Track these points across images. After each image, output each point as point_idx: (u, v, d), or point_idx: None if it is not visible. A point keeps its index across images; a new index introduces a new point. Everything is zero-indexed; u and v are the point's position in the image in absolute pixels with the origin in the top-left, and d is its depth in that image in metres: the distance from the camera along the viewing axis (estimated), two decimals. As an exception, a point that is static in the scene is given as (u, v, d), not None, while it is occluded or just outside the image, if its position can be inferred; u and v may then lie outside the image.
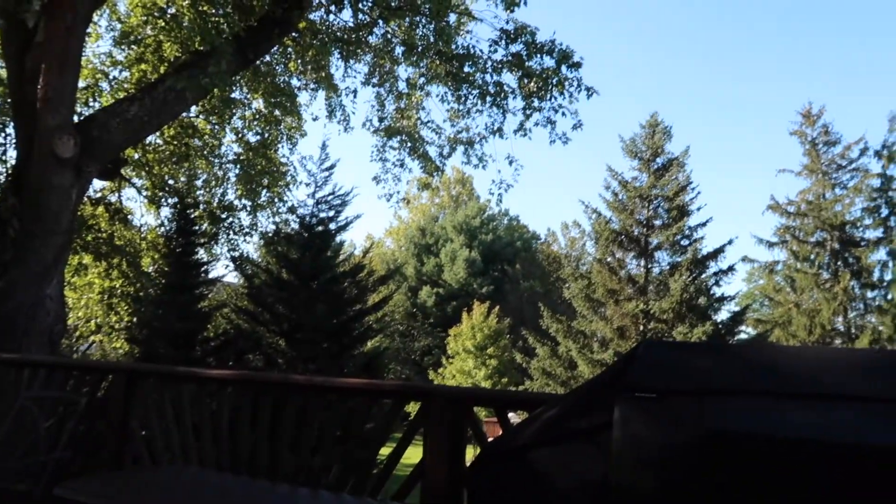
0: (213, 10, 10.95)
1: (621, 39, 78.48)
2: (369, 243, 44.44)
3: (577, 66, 12.07)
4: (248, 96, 15.13)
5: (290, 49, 14.00)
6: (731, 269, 23.92)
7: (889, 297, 28.02)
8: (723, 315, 24.22)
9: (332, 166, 15.67)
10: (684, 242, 23.89)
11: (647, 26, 76.54)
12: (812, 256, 29.23)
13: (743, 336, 26.53)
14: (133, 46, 13.06)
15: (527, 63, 12.40)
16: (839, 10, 67.79)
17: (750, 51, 72.47)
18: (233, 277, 20.64)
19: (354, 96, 14.44)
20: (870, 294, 28.58)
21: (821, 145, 30.21)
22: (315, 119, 15.19)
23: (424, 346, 41.45)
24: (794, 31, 70.34)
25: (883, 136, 29.61)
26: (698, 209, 24.12)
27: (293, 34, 12.92)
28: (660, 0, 75.56)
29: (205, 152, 15.39)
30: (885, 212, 29.00)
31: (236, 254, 15.83)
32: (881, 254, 28.62)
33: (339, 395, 4.63)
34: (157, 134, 14.23)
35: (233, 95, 14.00)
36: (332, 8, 12.72)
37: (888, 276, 28.36)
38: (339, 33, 13.37)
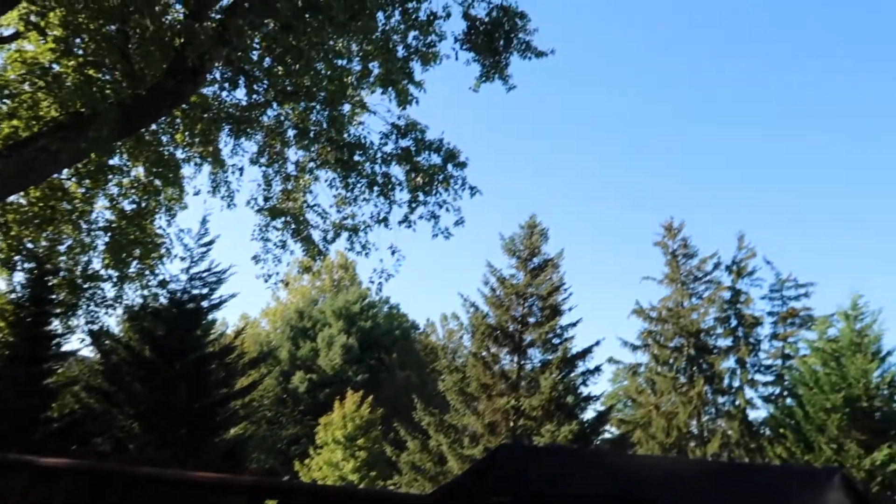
0: (100, 76, 10.67)
1: (507, 144, 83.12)
2: (243, 323, 42.85)
3: (463, 165, 12.66)
4: (129, 163, 14.61)
5: (178, 120, 13.78)
6: (597, 369, 24.98)
7: (737, 403, 30.11)
8: (589, 414, 25.02)
9: (211, 242, 15.26)
10: (556, 341, 24.79)
11: (535, 135, 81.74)
12: (671, 361, 31.07)
13: (607, 436, 27.42)
14: (6, 101, 12.40)
15: (415, 158, 12.89)
16: (697, 141, 75.52)
17: (624, 167, 78.75)
18: (89, 352, 19.17)
19: (241, 174, 14.31)
20: (721, 399, 30.60)
21: (680, 257, 32.76)
22: (197, 193, 14.83)
23: (292, 435, 39.69)
24: (661, 154, 77.35)
25: (733, 252, 32.60)
26: (570, 309, 25.27)
27: (184, 106, 12.77)
28: (544, 115, 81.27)
29: (73, 217, 14.54)
30: (734, 322, 31.58)
31: (95, 327, 14.78)
32: (731, 362, 30.93)
33: (187, 490, 4.29)
34: (21, 193, 13.36)
35: (112, 161, 13.49)
36: (227, 85, 12.76)
37: (736, 383, 30.58)
38: (231, 110, 13.36)
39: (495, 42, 12.61)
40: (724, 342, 31.45)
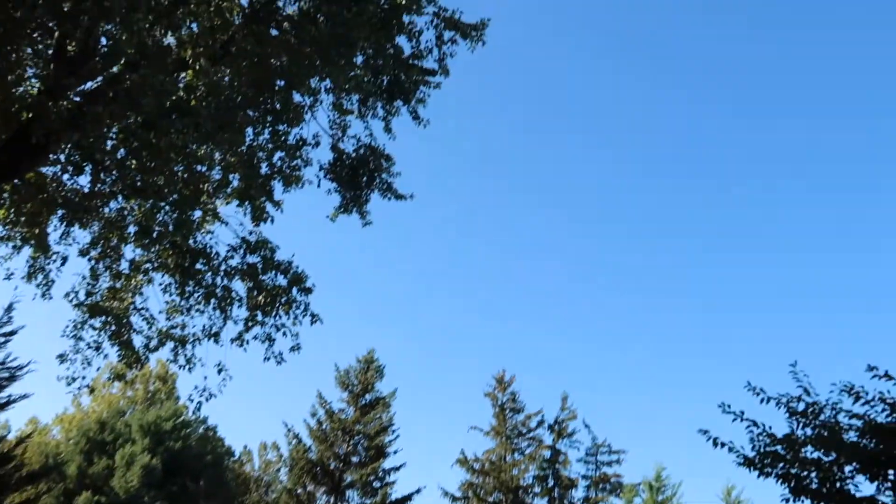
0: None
1: (358, 273, 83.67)
2: (31, 429, 37.73)
3: (308, 290, 12.54)
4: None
5: (6, 195, 12.70)
6: (415, 518, 24.20)
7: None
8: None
9: (13, 332, 13.68)
10: (376, 484, 23.95)
11: (388, 268, 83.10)
12: (489, 515, 30.76)
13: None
14: None
15: (260, 276, 12.61)
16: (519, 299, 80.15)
17: (474, 315, 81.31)
18: None
19: (63, 263, 13.21)
20: (535, 560, 30.43)
21: (508, 411, 33.48)
22: (9, 277, 13.38)
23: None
24: (507, 304, 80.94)
25: (556, 412, 33.84)
26: (395, 452, 24.73)
27: (16, 181, 11.85)
28: (401, 251, 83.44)
29: None
30: (551, 482, 32.19)
31: None
32: (547, 521, 31.13)
33: None
34: None
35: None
36: (71, 169, 12.07)
37: (550, 544, 30.69)
38: (70, 195, 12.55)
39: (359, 177, 13.07)
40: (541, 502, 31.79)
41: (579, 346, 75.17)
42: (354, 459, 24.26)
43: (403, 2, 10.94)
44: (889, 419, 8.29)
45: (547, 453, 32.41)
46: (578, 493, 32.16)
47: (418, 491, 24.06)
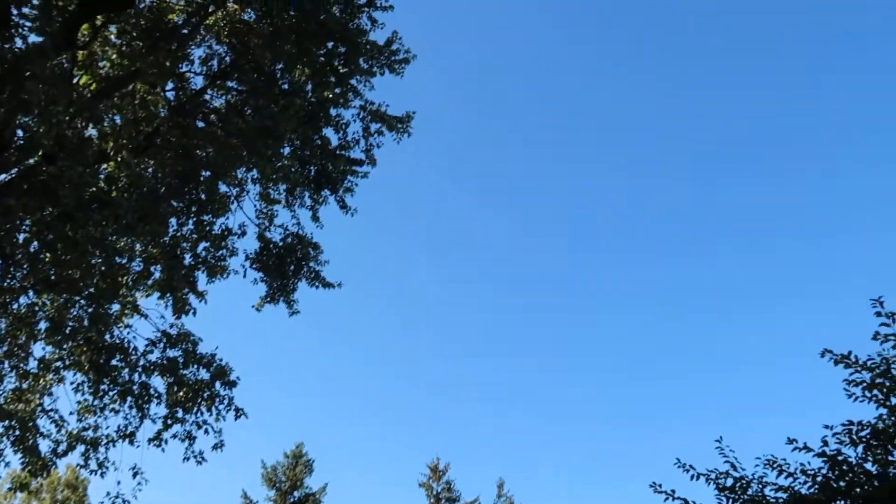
0: None
1: (281, 364, 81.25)
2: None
3: (233, 384, 12.09)
4: None
5: None
6: None
7: None
8: None
9: None
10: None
11: (318, 357, 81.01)
12: None
13: None
14: None
15: (181, 371, 12.10)
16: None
17: (404, 397, 79.58)
18: None
19: (-38, 362, 12.32)
20: None
21: (443, 501, 32.52)
22: None
23: None
24: (437, 387, 79.76)
25: (492, 499, 33.08)
26: (327, 552, 23.45)
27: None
28: (338, 338, 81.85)
29: None
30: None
31: None
32: None
33: None
34: None
35: None
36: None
37: None
38: (-27, 288, 11.87)
39: (286, 266, 12.94)
40: None
41: (518, 427, 74.50)
42: (282, 562, 22.88)
43: (330, 96, 11.23)
44: (811, 490, 8.47)
45: (489, 543, 31.46)
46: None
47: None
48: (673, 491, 9.19)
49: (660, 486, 9.25)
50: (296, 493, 24.34)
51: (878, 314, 8.60)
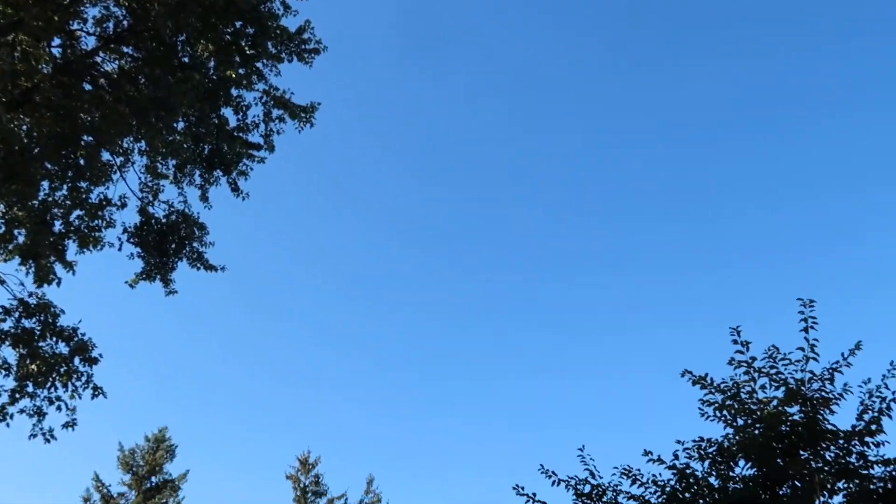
0: None
1: (151, 344, 77.49)
2: None
3: (94, 361, 11.44)
4: None
5: None
6: None
7: None
8: None
9: None
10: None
11: (181, 342, 77.67)
12: None
13: None
14: None
15: (37, 343, 11.31)
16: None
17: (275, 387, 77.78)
18: None
19: None
20: None
21: (311, 494, 32.09)
22: None
23: None
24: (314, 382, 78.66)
25: (360, 495, 33.02)
26: (182, 540, 22.59)
27: None
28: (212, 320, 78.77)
29: None
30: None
31: None
32: None
33: None
34: None
35: None
36: None
37: None
38: None
39: (167, 244, 12.38)
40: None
41: (386, 425, 74.74)
42: (133, 551, 21.83)
43: (233, 76, 10.84)
44: (660, 500, 9.09)
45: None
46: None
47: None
48: (534, 494, 9.58)
49: (522, 488, 9.63)
50: (154, 479, 23.27)
51: (735, 342, 9.37)
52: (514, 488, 9.68)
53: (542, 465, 9.86)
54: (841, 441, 8.70)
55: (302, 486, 32.00)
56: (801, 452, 8.77)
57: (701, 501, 8.77)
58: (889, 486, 8.25)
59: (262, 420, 74.05)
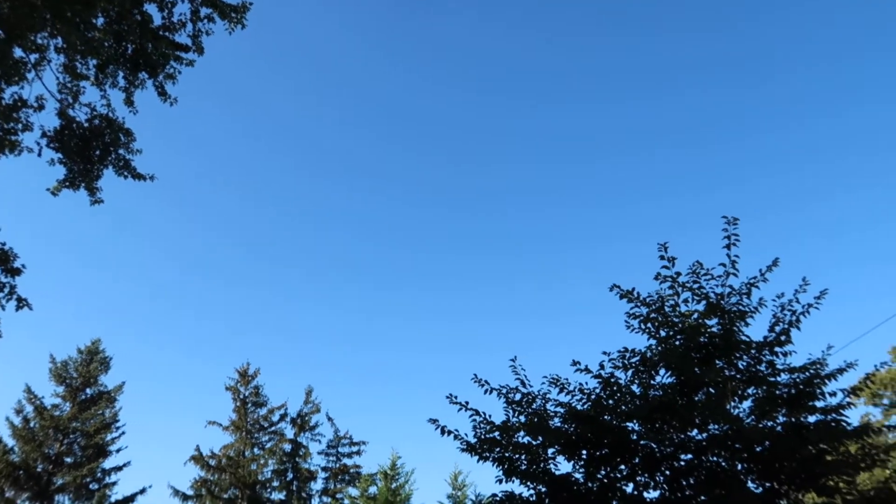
0: None
1: (81, 258, 75.25)
2: None
3: (16, 272, 11.04)
4: None
5: None
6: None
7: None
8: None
9: None
10: (94, 486, 21.75)
11: (114, 257, 75.68)
12: (222, 513, 29.60)
13: None
14: None
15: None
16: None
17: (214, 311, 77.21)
18: None
19: None
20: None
21: (250, 405, 32.51)
22: None
23: None
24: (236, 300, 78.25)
25: (300, 405, 33.63)
26: (118, 450, 22.69)
27: None
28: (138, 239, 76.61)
29: None
30: (290, 476, 31.93)
31: None
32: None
33: None
34: None
35: None
36: None
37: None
38: None
39: (90, 150, 11.78)
40: (279, 496, 31.40)
41: (325, 341, 75.60)
42: (68, 460, 21.80)
43: (155, -33, 10.10)
44: (585, 406, 9.54)
45: (288, 447, 32.09)
46: (317, 485, 32.37)
47: (143, 491, 22.35)
48: (466, 402, 9.92)
49: (455, 397, 9.95)
50: (88, 391, 23.07)
51: (662, 257, 9.67)
52: (448, 397, 10.00)
53: (475, 375, 10.18)
54: (753, 351, 9.25)
55: (241, 397, 32.34)
56: (717, 361, 9.28)
57: (623, 407, 9.23)
58: (793, 391, 8.87)
59: (203, 332, 73.62)
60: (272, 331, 75.25)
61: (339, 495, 31.56)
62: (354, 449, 33.28)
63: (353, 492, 27.77)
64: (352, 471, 32.61)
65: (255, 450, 31.61)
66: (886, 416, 30.08)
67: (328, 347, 75.81)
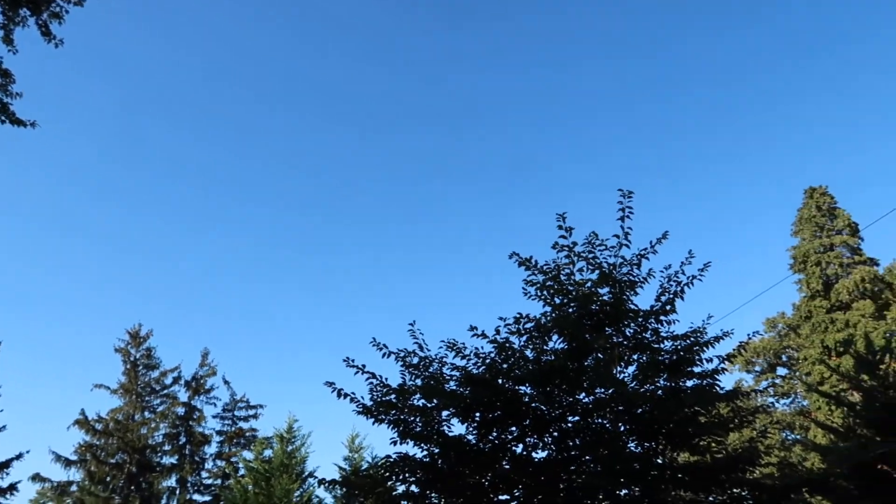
0: None
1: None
2: None
3: None
4: None
5: None
6: (13, 487, 21.22)
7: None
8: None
9: None
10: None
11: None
12: (108, 478, 28.55)
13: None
14: None
15: None
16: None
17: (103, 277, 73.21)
18: None
19: None
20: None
21: (141, 368, 31.29)
22: None
23: None
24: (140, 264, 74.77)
25: (195, 368, 32.70)
26: (-7, 414, 21.28)
27: None
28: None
29: None
30: (183, 440, 31.11)
31: None
32: (172, 481, 30.03)
33: None
34: None
35: None
36: None
37: (174, 504, 29.68)
38: None
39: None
40: (170, 460, 30.60)
41: (223, 304, 73.56)
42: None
43: None
44: (480, 370, 9.74)
45: (181, 410, 31.23)
46: (211, 449, 31.74)
47: (19, 456, 21.13)
48: (363, 365, 9.91)
49: (352, 360, 9.92)
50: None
51: (560, 227, 9.92)
52: (345, 360, 9.94)
53: (374, 339, 10.17)
54: (640, 319, 9.71)
55: (132, 359, 31.05)
56: (607, 329, 9.69)
57: (517, 371, 9.50)
58: (674, 357, 9.41)
59: (90, 292, 69.85)
60: (171, 297, 72.42)
61: (233, 459, 31.08)
62: (251, 412, 32.80)
63: (248, 455, 27.43)
64: (248, 434, 32.15)
65: (146, 413, 30.56)
66: (757, 382, 32.57)
67: (226, 312, 73.88)
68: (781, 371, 32.83)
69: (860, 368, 12.41)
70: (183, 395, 31.90)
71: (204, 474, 31.23)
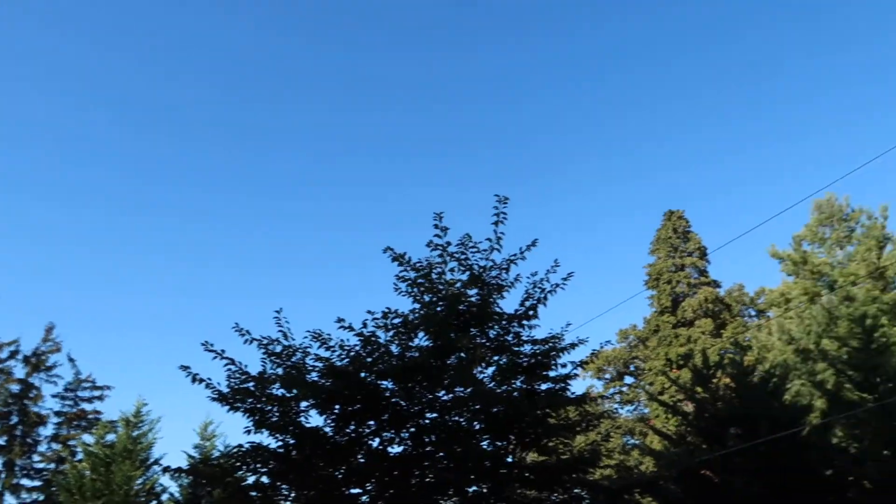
0: None
1: None
2: None
3: None
4: None
5: None
6: None
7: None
8: None
9: None
10: None
11: None
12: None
13: None
14: None
15: None
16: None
17: None
18: None
19: None
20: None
21: (-30, 342, 28.43)
22: None
23: None
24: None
25: (37, 343, 30.14)
26: None
27: None
28: None
29: None
30: (14, 419, 28.58)
31: None
32: (-2, 463, 27.56)
33: None
34: None
35: None
36: None
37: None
38: None
39: None
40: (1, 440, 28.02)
41: (74, 278, 68.49)
42: None
43: None
44: (344, 363, 9.68)
45: (16, 387, 28.66)
46: (47, 431, 29.40)
47: None
48: (223, 351, 9.59)
49: (211, 345, 9.57)
50: None
51: (436, 226, 10.05)
52: (203, 345, 9.57)
53: (236, 324, 9.86)
54: (504, 322, 10.04)
55: (-39, 329, 28.18)
56: (472, 329, 9.94)
57: (381, 365, 9.53)
58: (532, 360, 9.82)
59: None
60: (15, 267, 66.23)
61: (71, 442, 28.92)
62: (96, 394, 30.56)
63: (89, 439, 25.65)
64: (90, 416, 29.99)
65: (-24, 391, 27.79)
66: (606, 388, 34.60)
67: (78, 287, 68.74)
68: (629, 380, 35.05)
69: (696, 381, 13.47)
70: (20, 372, 29.30)
71: (36, 457, 28.85)
